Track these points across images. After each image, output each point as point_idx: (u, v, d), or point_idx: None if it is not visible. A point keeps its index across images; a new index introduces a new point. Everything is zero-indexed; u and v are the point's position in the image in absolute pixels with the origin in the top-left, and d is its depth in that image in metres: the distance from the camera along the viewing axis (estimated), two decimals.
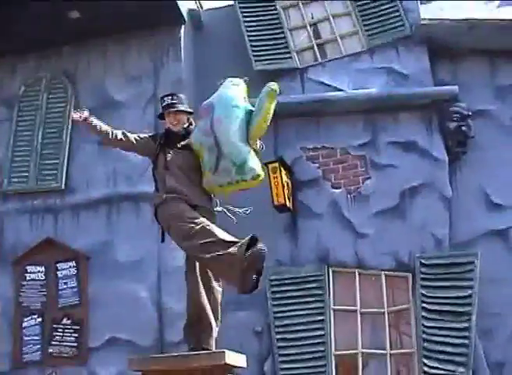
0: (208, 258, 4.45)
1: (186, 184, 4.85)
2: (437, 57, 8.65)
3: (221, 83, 5.06)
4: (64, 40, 9.29)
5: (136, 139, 5.12)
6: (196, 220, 4.60)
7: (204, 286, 4.73)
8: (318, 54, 9.17)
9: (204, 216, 4.71)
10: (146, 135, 5.19)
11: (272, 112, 4.78)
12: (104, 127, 5.08)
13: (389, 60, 8.75)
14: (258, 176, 4.72)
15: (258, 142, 4.85)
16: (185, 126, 5.10)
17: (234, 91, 4.91)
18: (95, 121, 5.07)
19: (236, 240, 4.53)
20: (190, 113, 5.18)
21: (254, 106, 4.82)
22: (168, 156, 4.92)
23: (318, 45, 9.23)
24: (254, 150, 4.79)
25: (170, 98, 5.11)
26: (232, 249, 4.42)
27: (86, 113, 5.03)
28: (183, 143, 4.98)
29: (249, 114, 4.79)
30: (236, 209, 5.04)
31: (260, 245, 4.41)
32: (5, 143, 9.32)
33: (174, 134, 5.04)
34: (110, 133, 5.07)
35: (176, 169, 4.88)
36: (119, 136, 5.10)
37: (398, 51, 8.77)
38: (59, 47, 9.43)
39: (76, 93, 9.30)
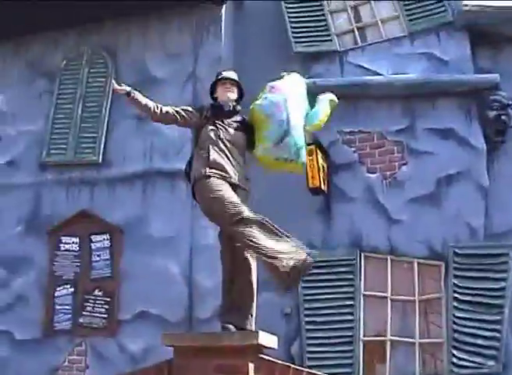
0: (253, 253, 4.52)
1: (231, 161, 4.85)
2: (478, 44, 8.51)
3: (286, 74, 5.27)
4: (105, 15, 9.33)
5: (183, 111, 5.08)
6: (240, 208, 4.58)
7: (239, 265, 4.73)
8: (358, 37, 9.09)
9: (242, 200, 4.73)
10: (190, 108, 5.14)
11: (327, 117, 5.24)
12: (147, 102, 5.06)
13: (430, 46, 8.64)
14: (304, 164, 5.07)
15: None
16: (234, 103, 5.10)
17: (303, 87, 5.22)
18: (138, 95, 5.07)
19: (280, 243, 4.52)
20: (241, 94, 5.21)
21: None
22: (215, 130, 4.91)
23: (358, 29, 9.15)
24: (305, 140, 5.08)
25: (228, 72, 5.22)
26: (279, 260, 4.44)
27: (127, 87, 5.05)
28: (233, 119, 5.00)
29: (307, 114, 5.11)
30: None
31: (308, 260, 4.46)
32: (45, 115, 9.44)
33: (222, 109, 5.02)
34: (154, 108, 5.04)
35: (221, 144, 4.87)
36: (165, 109, 5.07)
37: (439, 37, 8.66)
38: (100, 22, 9.49)
39: (116, 68, 9.36)
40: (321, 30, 9.03)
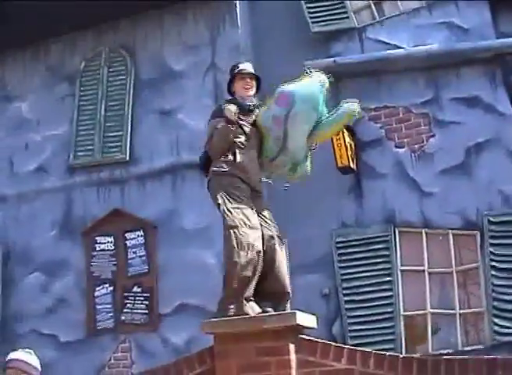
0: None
1: (252, 162, 4.78)
2: (498, 9, 8.37)
3: (308, 71, 4.88)
4: (121, 13, 9.36)
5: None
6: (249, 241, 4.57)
7: (268, 254, 4.71)
8: (375, 12, 9.00)
9: (255, 202, 4.73)
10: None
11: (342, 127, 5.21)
12: None
13: (449, 15, 8.52)
14: (306, 174, 4.96)
15: (314, 145, 4.92)
16: (253, 101, 4.96)
17: (320, 91, 4.78)
18: None
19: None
20: (258, 86, 5.05)
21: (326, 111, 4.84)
22: (240, 130, 4.80)
23: (375, 4, 9.05)
24: (309, 149, 4.90)
25: (245, 65, 5.08)
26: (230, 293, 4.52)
27: None
28: (252, 117, 4.87)
29: (320, 118, 4.79)
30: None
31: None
32: (69, 118, 9.51)
33: (243, 107, 4.87)
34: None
35: (245, 143, 4.79)
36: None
37: (457, 5, 8.52)
38: (116, 20, 9.52)
39: (136, 65, 9.40)
40: (338, 8, 8.94)
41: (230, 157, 4.74)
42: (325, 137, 5.06)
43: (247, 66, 5.08)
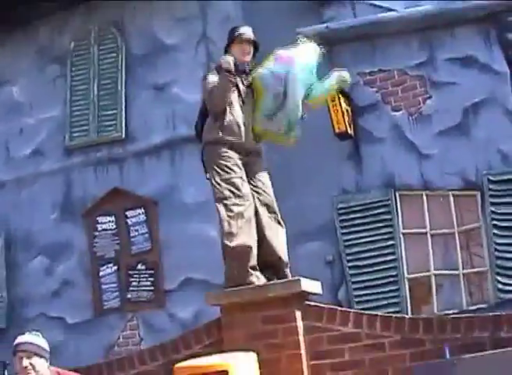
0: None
1: (245, 124, 4.78)
2: None
3: (301, 40, 4.98)
4: None
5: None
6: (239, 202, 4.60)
7: (267, 223, 4.71)
8: None
9: (251, 167, 4.76)
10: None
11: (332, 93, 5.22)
12: None
13: None
14: (295, 139, 4.96)
15: (305, 112, 4.91)
16: (249, 65, 4.96)
17: (314, 59, 4.91)
18: None
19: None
20: (255, 54, 5.02)
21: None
22: (234, 92, 4.79)
23: None
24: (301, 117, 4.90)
25: (245, 29, 5.01)
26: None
27: None
28: (249, 80, 4.88)
29: (312, 85, 4.87)
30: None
31: None
32: (62, 99, 9.44)
33: (239, 69, 4.85)
34: None
35: (237, 105, 4.79)
36: None
37: None
38: None
39: (126, 41, 9.30)
40: None
41: (224, 119, 4.72)
42: (314, 104, 5.06)
43: (247, 31, 5.01)
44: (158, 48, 9.02)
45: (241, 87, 4.84)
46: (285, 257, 4.77)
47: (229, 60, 4.75)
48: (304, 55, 4.85)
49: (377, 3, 8.52)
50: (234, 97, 4.79)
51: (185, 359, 4.20)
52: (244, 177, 4.70)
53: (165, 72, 8.96)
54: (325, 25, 8.11)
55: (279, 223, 4.83)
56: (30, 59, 9.73)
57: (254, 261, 4.56)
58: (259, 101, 4.84)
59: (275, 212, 4.81)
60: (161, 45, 9.06)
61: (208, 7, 9.00)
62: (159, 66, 9.03)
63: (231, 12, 8.83)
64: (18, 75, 9.72)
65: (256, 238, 4.61)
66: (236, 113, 4.76)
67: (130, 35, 9.31)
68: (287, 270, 4.74)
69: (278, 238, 4.75)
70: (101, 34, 9.46)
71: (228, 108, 4.75)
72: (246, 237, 4.54)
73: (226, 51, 5.01)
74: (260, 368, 4.20)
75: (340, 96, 7.90)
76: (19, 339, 4.04)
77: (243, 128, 4.76)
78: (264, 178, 4.87)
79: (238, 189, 4.61)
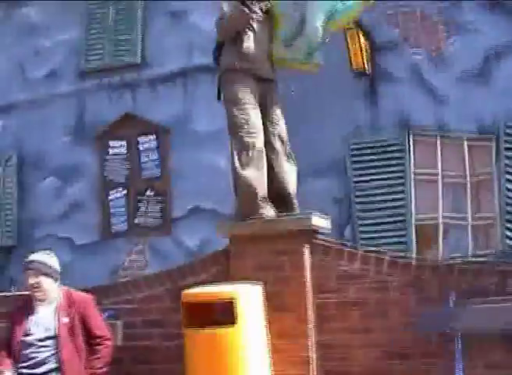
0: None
1: (262, 51, 4.69)
2: None
3: None
4: None
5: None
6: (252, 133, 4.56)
7: (278, 156, 4.70)
8: None
9: (265, 95, 4.68)
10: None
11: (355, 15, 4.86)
12: None
13: None
14: (319, 65, 4.76)
15: (328, 36, 4.74)
16: None
17: None
18: None
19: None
20: None
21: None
22: (251, 19, 4.68)
23: None
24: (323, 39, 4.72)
25: None
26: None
27: None
28: (263, 3, 4.77)
29: (333, 8, 4.67)
30: None
31: None
32: (78, 23, 9.31)
33: None
34: None
35: (254, 32, 4.70)
36: None
37: None
38: None
39: None
40: None
41: (241, 46, 4.64)
42: (344, 22, 4.96)
43: None
44: None
45: (260, 13, 4.76)
46: (293, 192, 4.78)
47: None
48: None
49: None
50: (251, 24, 4.72)
51: (192, 286, 4.25)
52: (257, 107, 4.67)
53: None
54: None
55: (290, 155, 4.82)
56: None
57: (264, 192, 4.57)
58: (277, 28, 4.74)
59: (286, 144, 4.80)
60: None
61: None
62: None
63: None
64: None
65: (266, 169, 4.61)
66: (252, 40, 4.68)
67: None
68: (295, 206, 4.75)
69: (288, 172, 4.75)
70: None
71: (245, 35, 4.69)
72: (256, 168, 4.54)
73: None
74: (265, 299, 4.25)
75: (359, 32, 7.79)
76: (32, 257, 4.09)
77: (259, 55, 4.68)
78: (278, 109, 4.84)
79: (251, 119, 4.59)
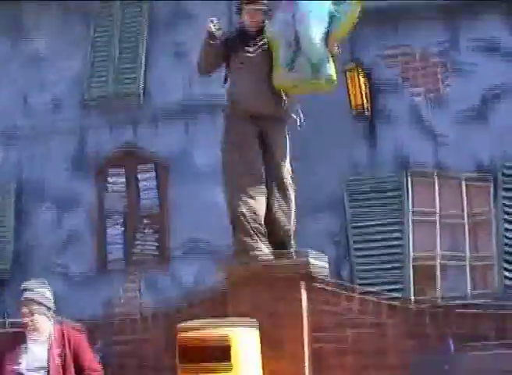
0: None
1: (257, 86, 4.63)
2: None
3: None
4: None
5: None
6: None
7: (271, 196, 4.71)
8: None
9: (270, 128, 4.68)
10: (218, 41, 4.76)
11: (356, 17, 4.61)
12: None
13: None
14: (332, 80, 4.58)
15: (336, 46, 4.65)
16: (259, 26, 4.76)
17: None
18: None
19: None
20: (269, 13, 4.83)
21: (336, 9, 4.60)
22: (243, 56, 4.68)
23: None
24: (332, 54, 4.61)
25: None
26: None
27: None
28: (259, 42, 4.72)
29: (331, 17, 4.58)
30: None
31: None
32: (82, 59, 9.39)
33: (248, 34, 4.74)
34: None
35: (249, 69, 4.65)
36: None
37: None
38: None
39: (150, 6, 9.23)
40: None
41: (231, 84, 4.70)
42: (345, 30, 4.69)
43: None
44: (181, 14, 8.98)
45: (249, 49, 4.70)
46: (291, 229, 4.78)
47: (211, 24, 4.66)
48: None
49: None
50: (236, 62, 4.70)
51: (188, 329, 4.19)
52: (253, 147, 4.67)
53: (186, 38, 8.90)
54: None
55: (289, 195, 4.81)
56: (56, 17, 9.61)
57: (260, 228, 4.57)
58: (275, 58, 4.65)
59: (287, 185, 4.79)
60: (184, 12, 8.99)
61: None
62: (180, 32, 8.99)
63: None
64: (43, 31, 9.61)
65: (264, 208, 4.62)
66: (241, 79, 4.66)
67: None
68: (292, 244, 4.76)
69: (285, 211, 4.75)
70: None
71: (231, 76, 4.71)
72: (253, 207, 4.55)
73: (238, 11, 4.85)
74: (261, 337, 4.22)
75: (359, 71, 7.86)
76: (25, 285, 4.02)
77: (253, 92, 4.64)
78: (280, 149, 4.79)
79: (248, 164, 4.60)
